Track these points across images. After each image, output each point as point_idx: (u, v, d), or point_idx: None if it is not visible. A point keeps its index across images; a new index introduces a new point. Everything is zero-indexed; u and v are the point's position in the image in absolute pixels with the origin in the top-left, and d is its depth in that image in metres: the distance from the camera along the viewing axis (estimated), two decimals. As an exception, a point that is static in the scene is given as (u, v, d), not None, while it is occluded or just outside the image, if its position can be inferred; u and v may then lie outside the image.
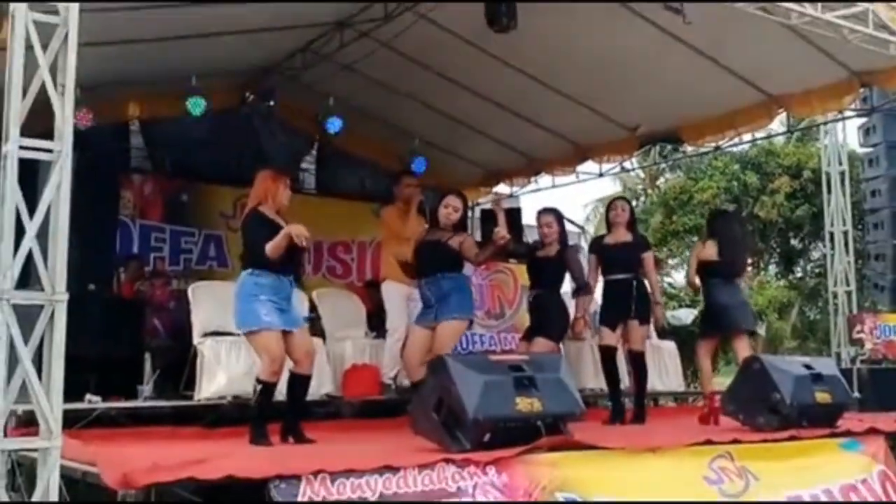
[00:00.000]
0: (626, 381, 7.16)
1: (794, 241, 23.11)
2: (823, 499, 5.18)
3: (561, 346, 6.86)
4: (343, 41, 8.40)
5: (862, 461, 5.62)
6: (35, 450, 3.67)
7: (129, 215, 9.38)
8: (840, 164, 13.08)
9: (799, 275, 23.27)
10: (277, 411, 5.36)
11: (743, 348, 6.95)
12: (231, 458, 4.19)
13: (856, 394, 7.94)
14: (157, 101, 9.07)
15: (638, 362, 6.76)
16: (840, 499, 5.24)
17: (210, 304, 6.64)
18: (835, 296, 12.81)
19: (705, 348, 7.25)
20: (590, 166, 11.30)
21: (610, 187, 24.15)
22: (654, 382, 8.41)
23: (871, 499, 5.39)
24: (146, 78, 8.47)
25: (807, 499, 5.10)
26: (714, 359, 7.46)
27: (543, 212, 6.99)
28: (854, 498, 5.33)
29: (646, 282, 6.86)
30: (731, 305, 7.06)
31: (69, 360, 3.72)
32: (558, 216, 6.95)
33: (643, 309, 6.79)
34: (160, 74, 8.42)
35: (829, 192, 13.02)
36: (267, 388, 5.16)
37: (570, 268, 6.77)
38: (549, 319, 6.72)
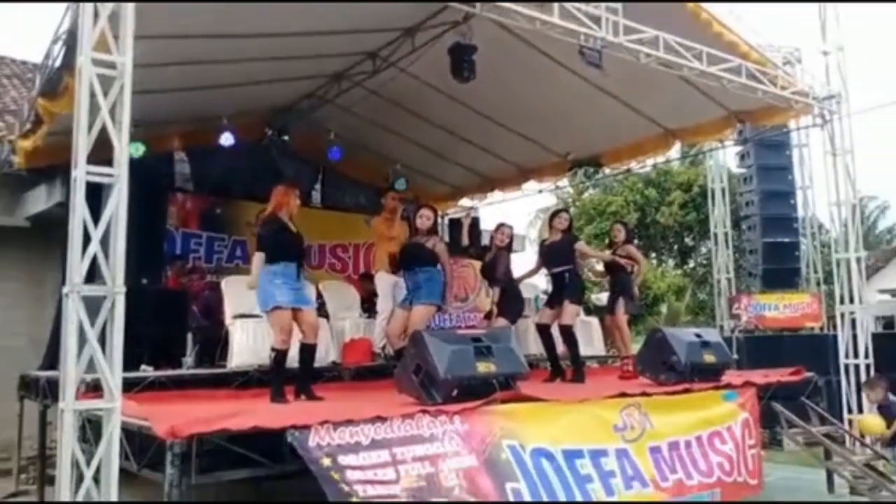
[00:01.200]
0: (562, 347, 7.16)
1: (687, 240, 23.37)
2: (695, 445, 5.24)
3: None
4: (341, 89, 8.36)
5: (734, 409, 5.69)
6: (100, 409, 3.64)
7: (173, 225, 9.27)
8: (721, 181, 13.25)
9: (691, 266, 23.54)
10: (293, 376, 5.32)
11: None
12: (256, 413, 4.16)
13: (734, 356, 8.02)
14: (196, 134, 8.95)
15: (566, 333, 6.69)
16: (707, 445, 5.31)
17: (239, 293, 6.56)
18: (718, 281, 12.96)
19: (628, 321, 7.46)
20: (531, 184, 11.34)
21: (547, 201, 24.23)
22: (584, 349, 8.43)
23: (730, 443, 5.47)
24: (188, 117, 8.38)
25: (682, 444, 5.15)
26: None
27: (504, 226, 7.02)
28: (718, 443, 5.40)
29: (578, 271, 6.90)
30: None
31: (127, 339, 3.68)
32: (511, 232, 7.03)
33: (575, 292, 6.73)
34: (198, 114, 8.34)
35: (714, 202, 13.19)
36: (279, 354, 5.14)
37: (496, 266, 6.83)
38: (508, 304, 6.78)
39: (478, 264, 8.04)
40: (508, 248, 6.96)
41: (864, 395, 7.35)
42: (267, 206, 5.46)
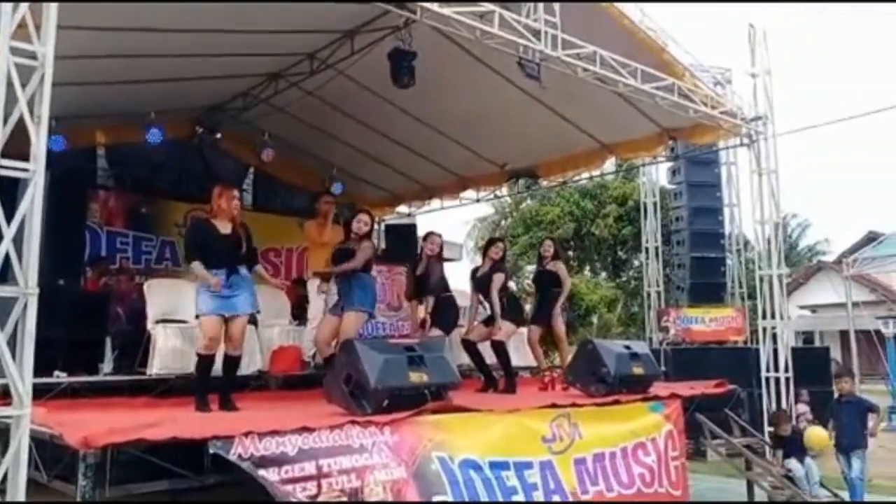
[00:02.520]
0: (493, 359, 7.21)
1: (620, 253, 23.91)
2: (619, 456, 5.35)
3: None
4: (277, 89, 8.27)
5: (659, 421, 5.85)
6: (9, 417, 3.46)
7: (97, 223, 8.97)
8: (654, 196, 13.70)
9: (624, 278, 24.06)
10: (217, 384, 5.19)
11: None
12: (176, 422, 4.04)
13: (662, 368, 8.25)
14: (121, 130, 8.70)
15: (496, 348, 6.75)
16: (630, 456, 5.43)
17: (161, 297, 6.39)
18: (649, 294, 13.36)
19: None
20: (470, 193, 11.44)
21: (485, 210, 24.40)
22: (517, 359, 8.51)
23: (653, 455, 5.61)
24: (112, 111, 8.11)
25: (607, 455, 5.25)
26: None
27: (432, 234, 7.02)
28: (641, 455, 5.53)
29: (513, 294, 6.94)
30: None
31: (41, 342, 3.54)
32: (441, 240, 7.01)
33: (511, 312, 6.84)
34: (124, 109, 8.09)
35: (646, 217, 13.60)
36: (202, 359, 5.03)
37: (429, 276, 6.80)
38: (442, 315, 6.74)
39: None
40: (439, 258, 6.97)
41: (778, 433, 7.58)
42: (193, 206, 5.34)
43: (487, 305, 6.95)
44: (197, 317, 5.02)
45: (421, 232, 10.69)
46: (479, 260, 7.55)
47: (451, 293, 6.94)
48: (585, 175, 10.84)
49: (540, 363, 7.54)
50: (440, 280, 6.83)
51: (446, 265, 7.23)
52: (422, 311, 7.09)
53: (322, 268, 6.49)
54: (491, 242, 7.25)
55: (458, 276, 7.79)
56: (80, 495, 3.33)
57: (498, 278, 6.79)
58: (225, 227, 5.18)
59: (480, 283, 6.91)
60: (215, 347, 5.04)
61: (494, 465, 4.52)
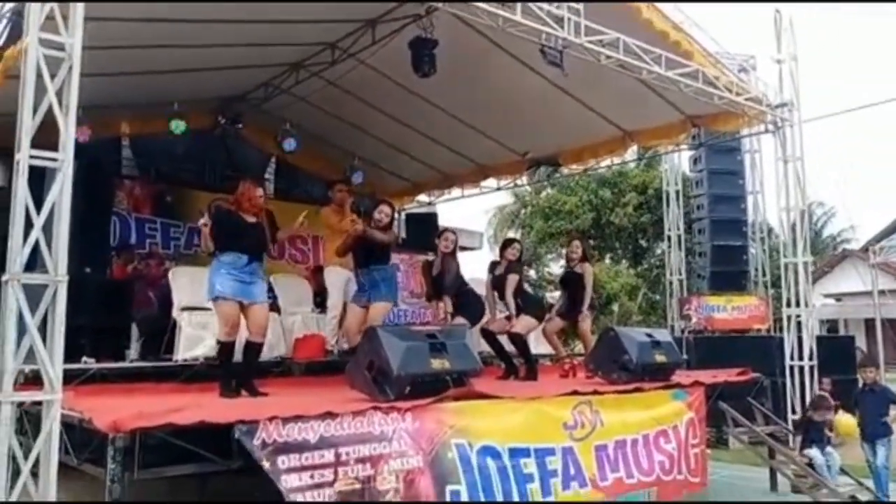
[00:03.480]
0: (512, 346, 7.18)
1: (641, 241, 23.66)
2: (641, 443, 5.35)
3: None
4: (298, 79, 8.28)
5: (681, 409, 5.83)
6: (39, 402, 3.55)
7: (126, 210, 9.09)
8: (676, 184, 13.53)
9: (645, 266, 23.82)
10: (240, 370, 5.24)
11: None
12: (203, 407, 4.08)
13: (684, 356, 8.16)
14: (145, 120, 8.75)
15: (514, 339, 6.74)
16: (652, 444, 5.44)
17: (187, 285, 6.44)
18: (670, 283, 13.24)
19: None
20: (490, 182, 11.41)
21: (505, 198, 24.25)
22: (536, 347, 8.49)
23: (674, 442, 5.60)
24: (137, 102, 8.17)
25: (628, 442, 5.26)
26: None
27: (447, 231, 7.03)
28: (662, 442, 5.53)
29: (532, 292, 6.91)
30: None
31: (69, 329, 3.61)
32: (455, 237, 7.01)
33: (532, 307, 6.86)
34: (148, 100, 8.15)
35: (668, 205, 13.45)
36: (223, 346, 5.08)
37: (444, 275, 6.76)
38: (466, 308, 6.70)
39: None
40: (454, 254, 6.93)
41: (812, 417, 7.42)
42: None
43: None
44: (215, 299, 5.02)
45: (442, 221, 10.71)
46: (497, 251, 7.50)
47: (470, 287, 6.90)
48: (606, 163, 10.76)
49: (559, 352, 7.52)
50: (456, 277, 6.78)
51: (467, 254, 7.21)
52: (442, 311, 7.06)
53: (340, 249, 6.48)
54: (508, 243, 7.26)
55: (477, 266, 7.78)
56: (109, 477, 3.38)
57: (512, 279, 6.81)
58: (250, 218, 5.23)
59: (497, 281, 6.93)
60: (235, 334, 5.09)
61: (514, 452, 4.53)
